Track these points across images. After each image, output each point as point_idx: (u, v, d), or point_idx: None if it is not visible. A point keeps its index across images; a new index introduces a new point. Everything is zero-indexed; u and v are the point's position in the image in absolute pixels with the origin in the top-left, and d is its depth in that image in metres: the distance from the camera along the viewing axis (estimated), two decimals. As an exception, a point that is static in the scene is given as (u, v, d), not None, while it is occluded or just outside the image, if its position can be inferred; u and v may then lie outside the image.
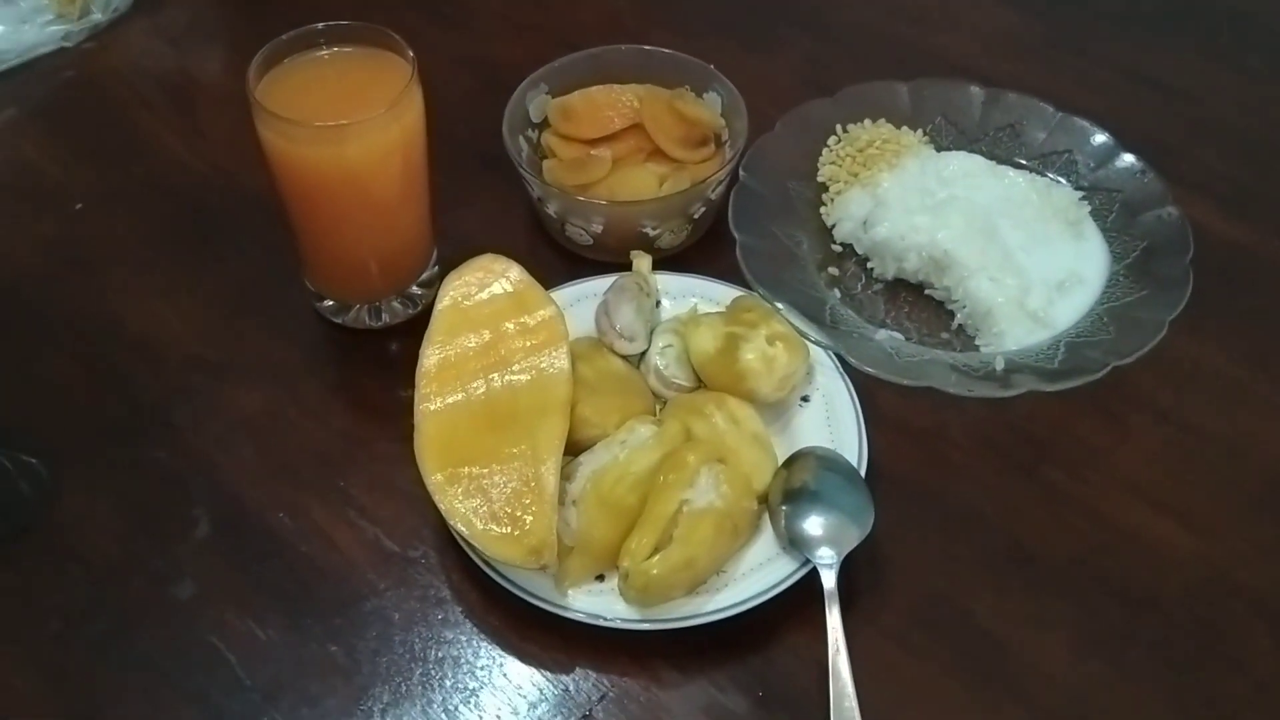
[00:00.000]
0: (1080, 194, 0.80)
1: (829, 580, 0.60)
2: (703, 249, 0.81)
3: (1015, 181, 0.79)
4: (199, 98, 0.95)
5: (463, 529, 0.61)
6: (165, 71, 0.98)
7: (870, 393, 0.70)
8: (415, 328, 0.72)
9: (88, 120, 0.93)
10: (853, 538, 0.62)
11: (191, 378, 0.75)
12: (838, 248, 0.80)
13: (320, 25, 0.70)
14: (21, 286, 0.80)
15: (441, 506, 0.62)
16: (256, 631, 0.63)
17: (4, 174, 0.89)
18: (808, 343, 0.70)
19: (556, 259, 0.81)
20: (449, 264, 0.77)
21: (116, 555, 0.67)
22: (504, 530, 0.60)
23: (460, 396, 0.65)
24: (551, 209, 0.79)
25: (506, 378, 0.66)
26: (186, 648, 0.63)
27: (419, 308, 0.77)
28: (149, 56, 0.99)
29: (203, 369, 0.76)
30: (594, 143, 0.83)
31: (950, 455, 0.71)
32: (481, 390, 0.66)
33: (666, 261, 0.78)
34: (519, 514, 0.61)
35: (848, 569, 0.62)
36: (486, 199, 0.85)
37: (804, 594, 0.61)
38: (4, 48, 0.95)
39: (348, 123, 0.66)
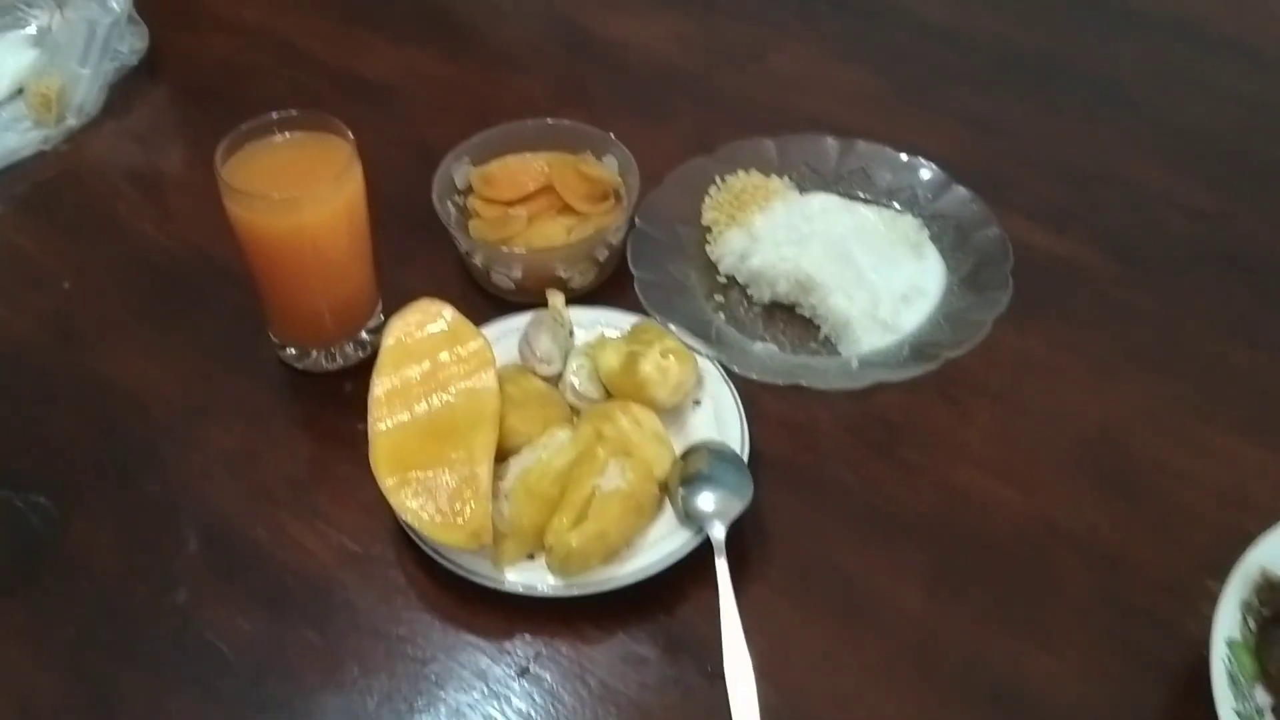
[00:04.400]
0: (920, 221, 0.95)
1: (717, 534, 0.74)
2: (609, 287, 0.95)
3: (865, 215, 0.94)
4: (165, 186, 1.09)
5: (413, 523, 0.74)
6: (134, 165, 1.11)
7: (752, 396, 0.84)
8: (366, 368, 0.84)
9: (69, 211, 1.06)
10: (737, 508, 0.75)
11: (175, 422, 0.87)
12: (722, 279, 0.94)
13: (274, 114, 0.84)
14: (24, 355, 0.93)
15: (394, 505, 0.74)
16: (243, 625, 0.75)
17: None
18: (697, 355, 0.84)
19: (484, 303, 0.94)
20: (393, 313, 0.90)
21: (120, 571, 0.78)
22: (448, 520, 0.73)
23: (406, 416, 0.78)
24: (478, 260, 0.93)
25: (444, 397, 0.79)
26: (185, 643, 0.74)
27: (368, 351, 0.90)
28: (118, 153, 1.12)
29: (185, 414, 0.88)
30: (512, 203, 0.97)
31: (820, 442, 0.85)
32: (424, 409, 0.79)
33: (578, 299, 0.92)
34: (460, 506, 0.74)
35: (738, 539, 0.75)
36: (422, 256, 0.98)
37: (700, 562, 0.74)
38: (-10, 153, 1.08)
39: (300, 194, 0.79)
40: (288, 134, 0.84)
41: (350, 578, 0.78)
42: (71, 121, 1.12)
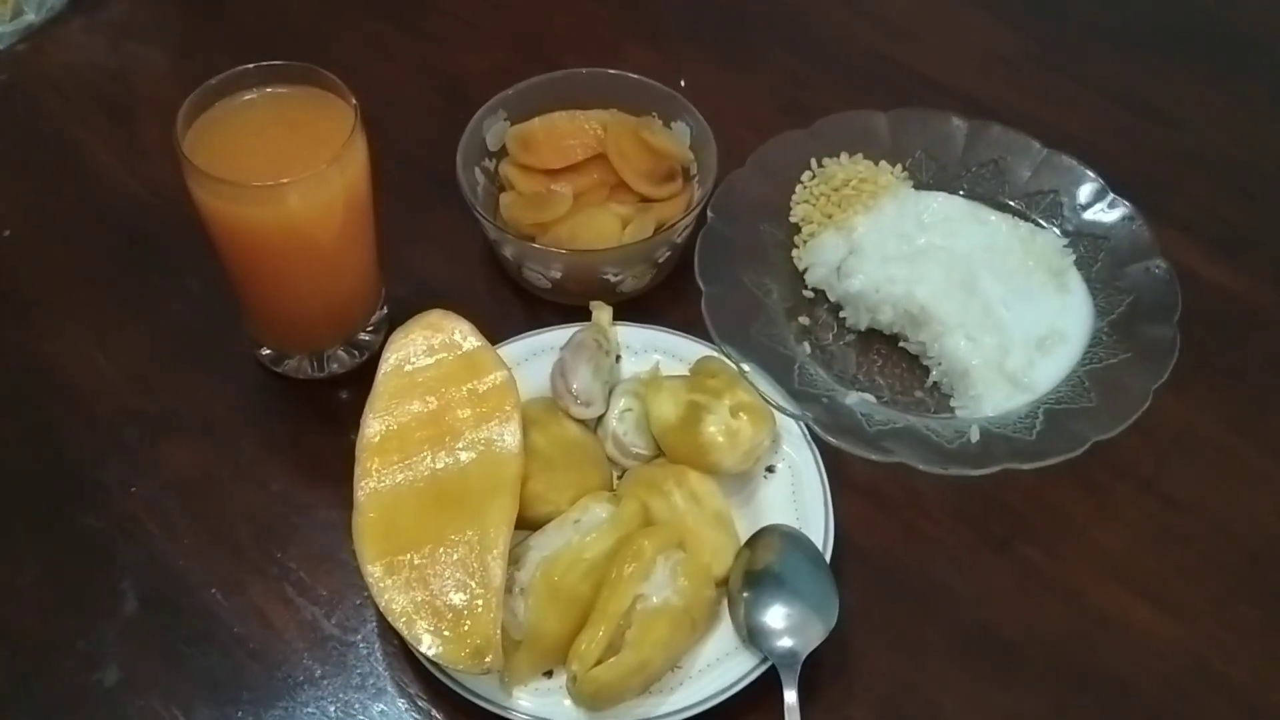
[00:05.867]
0: (1065, 240, 0.76)
1: (790, 693, 0.57)
2: (668, 291, 0.77)
3: (998, 228, 0.75)
4: (139, 109, 0.90)
5: (402, 628, 0.57)
6: (103, 78, 0.92)
7: (839, 457, 0.67)
8: (364, 376, 0.68)
9: (18, 133, 0.87)
10: (816, 634, 0.59)
11: (123, 431, 0.71)
12: (809, 294, 0.76)
13: (251, 66, 0.64)
14: (-57, 326, 0.76)
15: (380, 602, 0.58)
16: (185, 723, 0.60)
17: (-73, 194, 0.84)
18: (774, 411, 0.66)
19: (514, 300, 0.77)
20: (398, 304, 0.73)
21: (42, 633, 0.63)
22: (446, 630, 0.57)
23: (403, 475, 0.61)
24: (508, 252, 0.74)
25: (453, 453, 0.62)
26: (111, 740, 0.60)
27: (366, 356, 0.73)
28: (86, 61, 0.93)
29: (135, 421, 0.71)
30: (555, 173, 0.78)
31: (921, 528, 0.67)
32: (426, 466, 0.62)
33: (628, 305, 0.74)
34: (462, 609, 0.57)
35: (810, 656, 0.59)
36: (440, 230, 0.80)
37: (763, 688, 0.58)
38: (-71, 52, 0.89)
39: (288, 181, 0.61)
40: (270, 88, 0.65)
41: (322, 669, 0.62)
42: (31, 16, 0.93)
